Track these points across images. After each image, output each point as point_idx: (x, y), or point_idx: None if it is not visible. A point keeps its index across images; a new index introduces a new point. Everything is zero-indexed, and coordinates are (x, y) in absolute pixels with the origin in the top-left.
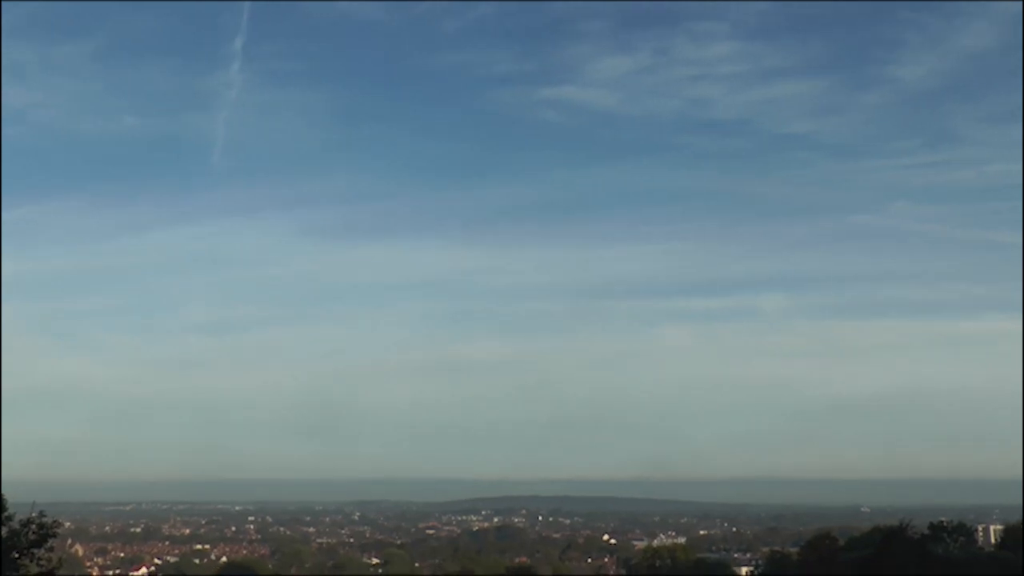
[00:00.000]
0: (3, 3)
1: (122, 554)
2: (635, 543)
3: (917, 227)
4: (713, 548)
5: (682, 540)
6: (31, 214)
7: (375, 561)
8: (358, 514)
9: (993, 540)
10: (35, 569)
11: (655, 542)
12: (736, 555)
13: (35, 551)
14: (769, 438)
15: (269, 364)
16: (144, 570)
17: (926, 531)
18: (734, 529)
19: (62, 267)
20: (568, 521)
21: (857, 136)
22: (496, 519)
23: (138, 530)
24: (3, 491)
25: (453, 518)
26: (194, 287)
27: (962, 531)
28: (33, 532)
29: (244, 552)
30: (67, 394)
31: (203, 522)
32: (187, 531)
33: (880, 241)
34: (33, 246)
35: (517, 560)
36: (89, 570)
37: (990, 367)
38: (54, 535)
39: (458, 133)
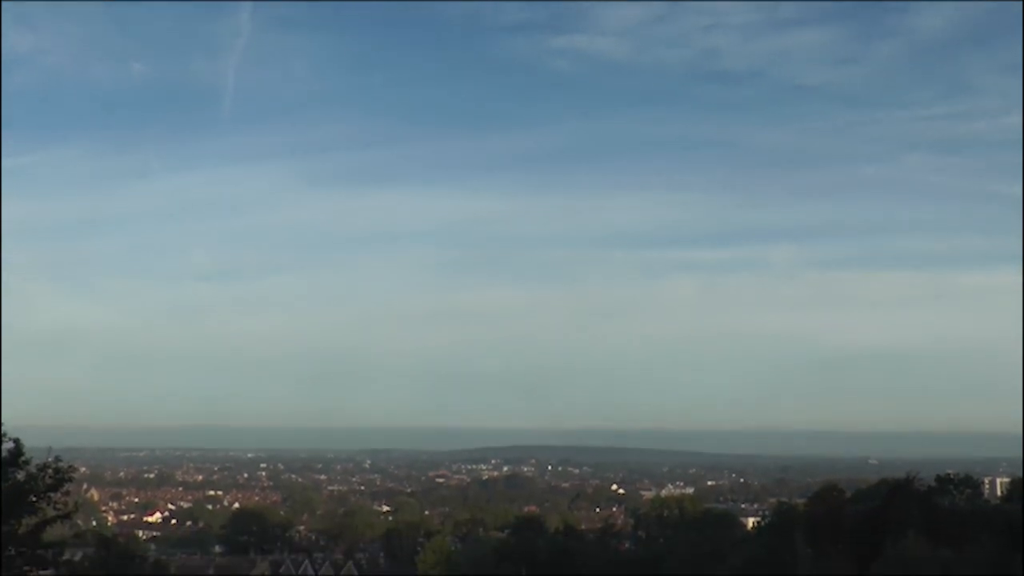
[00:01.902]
0: None
1: (136, 499)
2: (643, 493)
3: (930, 179)
4: (721, 499)
5: (690, 491)
6: (36, 159)
7: (385, 509)
8: (369, 462)
9: (999, 493)
10: (52, 513)
11: (663, 492)
12: (743, 506)
13: (52, 495)
14: (777, 390)
15: (276, 312)
16: (158, 515)
17: (932, 483)
18: (742, 480)
19: (67, 213)
20: (577, 471)
21: (870, 87)
22: (505, 468)
23: (152, 476)
24: (16, 436)
25: (463, 467)
26: (200, 234)
27: (968, 484)
28: (50, 476)
29: (256, 499)
30: (73, 340)
31: (215, 469)
32: (200, 477)
33: (892, 193)
34: (39, 191)
35: (526, 509)
36: (104, 515)
37: (1001, 320)
38: (70, 480)
39: (467, 81)
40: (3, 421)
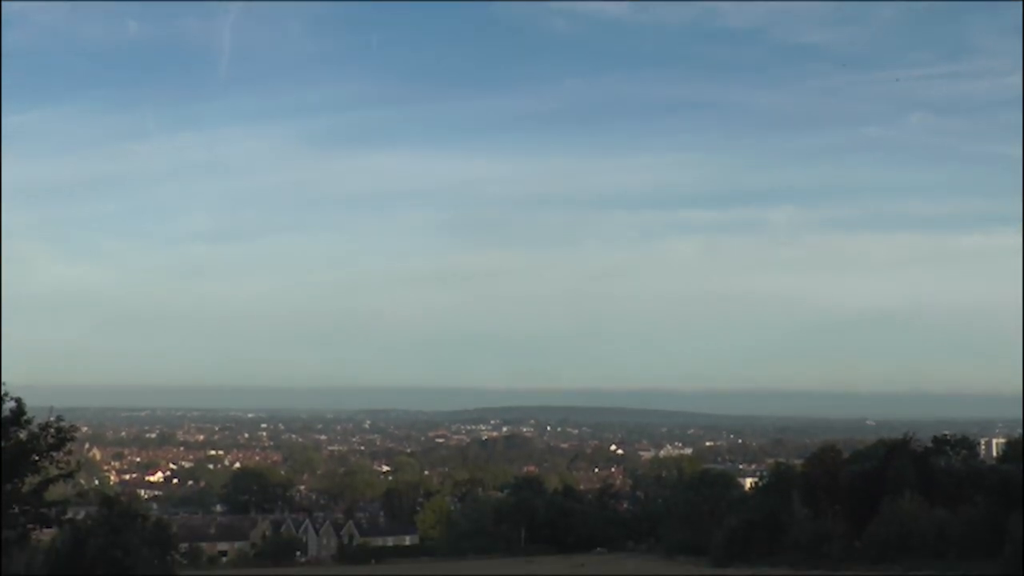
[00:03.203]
0: None
1: (138, 459)
2: (642, 454)
3: (932, 140)
4: (719, 459)
5: (688, 451)
6: (32, 119)
7: (385, 468)
8: (369, 422)
9: (995, 454)
10: (55, 472)
11: (661, 453)
12: (741, 466)
13: (54, 454)
14: (776, 351)
15: (274, 273)
16: (159, 475)
17: (929, 444)
18: (740, 441)
19: (64, 173)
20: (576, 431)
21: (872, 47)
22: (505, 429)
23: (153, 436)
24: (18, 396)
25: (463, 427)
26: (197, 194)
27: (965, 444)
28: (52, 436)
29: (257, 458)
30: (73, 301)
31: (216, 429)
32: (201, 437)
33: (893, 154)
34: (34, 151)
35: (525, 469)
36: (107, 474)
37: (999, 282)
38: (72, 439)
39: (466, 42)
40: (4, 381)
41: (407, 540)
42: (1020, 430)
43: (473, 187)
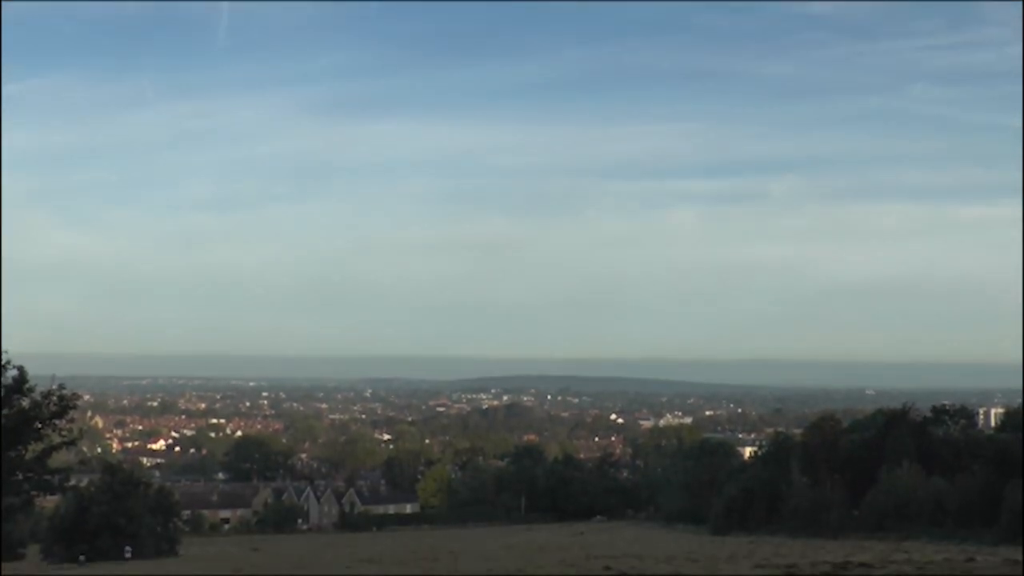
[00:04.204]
0: None
1: (140, 427)
2: (642, 423)
3: (934, 110)
4: (718, 429)
5: (688, 420)
6: (32, 87)
7: (386, 437)
8: (370, 391)
9: (993, 423)
10: (58, 439)
11: (661, 422)
12: (741, 435)
13: (56, 422)
14: (776, 321)
15: (274, 242)
16: (162, 442)
17: (928, 414)
18: (739, 410)
19: (62, 141)
20: (576, 400)
21: (876, 16)
22: (505, 397)
23: (155, 404)
24: (19, 364)
25: (463, 396)
26: (197, 163)
27: (963, 414)
28: (54, 404)
29: (258, 427)
30: (73, 269)
31: (218, 397)
32: (203, 406)
33: (896, 124)
34: (32, 119)
35: (526, 438)
36: (109, 442)
37: (999, 252)
38: (74, 407)
39: (467, 10)
40: (6, 350)
41: (408, 508)
42: (1019, 400)
43: (474, 156)
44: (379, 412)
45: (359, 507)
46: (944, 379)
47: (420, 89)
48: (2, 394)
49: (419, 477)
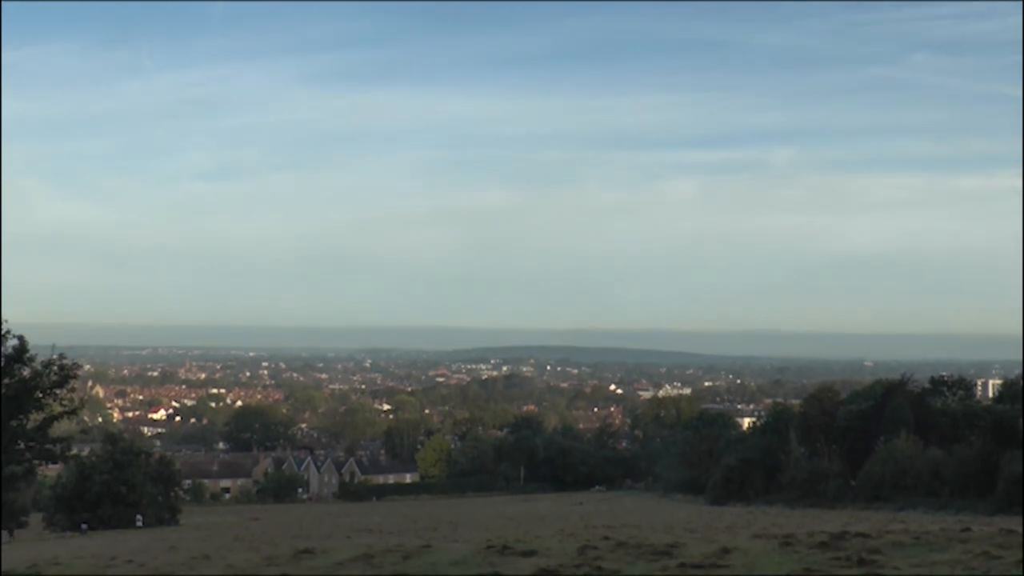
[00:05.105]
0: None
1: (141, 397)
2: (641, 393)
3: (936, 80)
4: (717, 399)
5: (687, 391)
6: (31, 56)
7: (386, 407)
8: (369, 361)
9: (991, 395)
10: (59, 409)
11: (660, 393)
12: (739, 406)
13: (58, 392)
14: (775, 292)
15: (273, 212)
16: (162, 412)
17: (927, 385)
18: (738, 381)
19: (61, 110)
20: (575, 371)
21: None
22: (505, 368)
23: (155, 374)
24: (20, 333)
25: (463, 366)
26: (195, 133)
27: (961, 385)
28: (55, 373)
29: (258, 397)
30: (72, 239)
31: (218, 367)
32: (203, 375)
33: (896, 94)
34: (31, 88)
35: (525, 408)
36: (110, 411)
37: (1000, 223)
38: (75, 377)
39: None
40: (6, 319)
41: (408, 478)
42: (1017, 371)
43: (473, 126)
44: (379, 382)
45: (359, 477)
46: (943, 350)
47: (420, 59)
48: (3, 364)
49: (419, 447)
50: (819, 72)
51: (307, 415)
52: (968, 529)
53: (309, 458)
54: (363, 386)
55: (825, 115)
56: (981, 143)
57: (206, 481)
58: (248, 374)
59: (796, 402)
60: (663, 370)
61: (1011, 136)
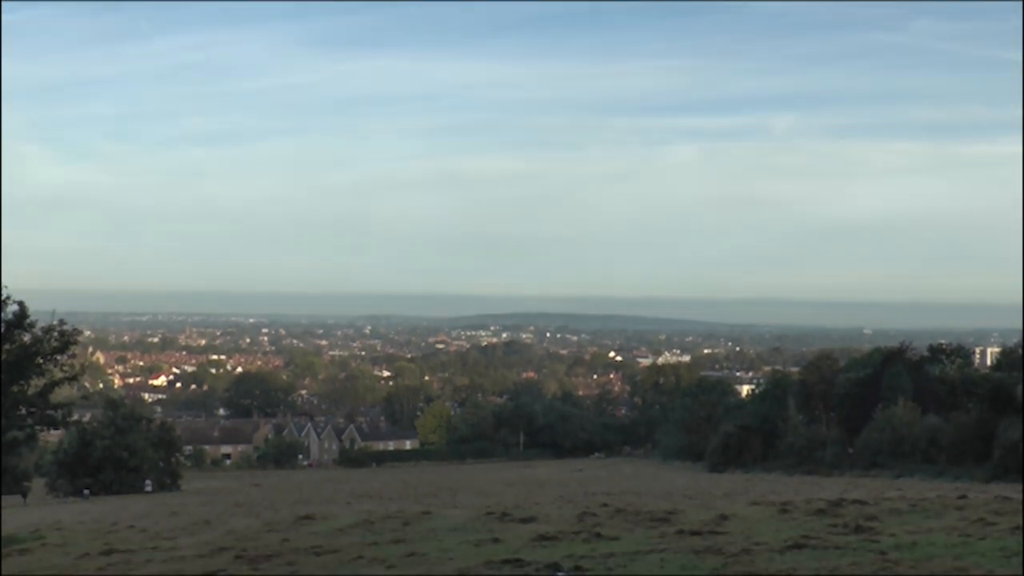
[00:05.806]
0: None
1: (141, 363)
2: (640, 360)
3: (938, 45)
4: (716, 367)
5: (686, 358)
6: (27, 18)
7: (386, 374)
8: (369, 328)
9: (990, 362)
10: (60, 375)
11: (660, 360)
12: (739, 374)
13: (58, 357)
14: (775, 259)
15: (273, 176)
16: (163, 378)
17: (925, 353)
18: (738, 348)
19: (58, 73)
20: (575, 338)
21: None
22: (504, 335)
23: (155, 340)
24: (20, 299)
25: (462, 333)
26: (194, 96)
27: (960, 353)
28: (55, 339)
29: (258, 363)
30: (71, 204)
31: (218, 333)
32: (203, 342)
33: (898, 59)
34: (28, 51)
35: (524, 375)
36: (111, 377)
37: (1001, 191)
38: (75, 342)
39: None
40: (5, 285)
41: (408, 444)
42: (1016, 339)
43: (473, 91)
44: (379, 349)
45: (359, 443)
46: (942, 319)
47: (419, 23)
48: (3, 329)
49: (418, 414)
50: (821, 37)
51: (307, 381)
52: (964, 496)
53: (309, 424)
54: (363, 352)
55: (826, 81)
56: (984, 109)
57: (207, 447)
58: (248, 340)
59: (795, 369)
60: (662, 337)
61: (1014, 103)
